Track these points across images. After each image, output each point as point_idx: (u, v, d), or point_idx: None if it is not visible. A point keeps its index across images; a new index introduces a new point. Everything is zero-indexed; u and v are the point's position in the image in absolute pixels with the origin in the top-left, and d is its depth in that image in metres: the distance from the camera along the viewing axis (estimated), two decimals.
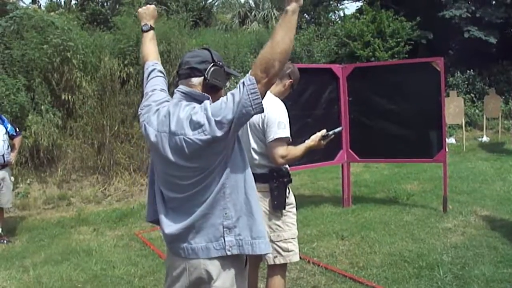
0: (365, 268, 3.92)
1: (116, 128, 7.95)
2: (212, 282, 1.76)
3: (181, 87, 1.83)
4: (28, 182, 7.13)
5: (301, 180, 7.97)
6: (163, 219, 1.84)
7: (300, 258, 4.18)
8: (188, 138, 1.68)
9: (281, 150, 2.61)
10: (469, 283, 3.48)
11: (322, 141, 2.73)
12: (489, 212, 5.38)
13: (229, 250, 1.75)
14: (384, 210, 5.72)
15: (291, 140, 2.69)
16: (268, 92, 2.76)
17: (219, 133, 1.64)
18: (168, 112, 1.78)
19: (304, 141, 2.74)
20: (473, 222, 5.06)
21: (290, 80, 2.88)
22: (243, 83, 1.64)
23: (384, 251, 4.29)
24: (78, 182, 7.53)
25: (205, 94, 1.80)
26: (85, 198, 7.16)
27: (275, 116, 2.64)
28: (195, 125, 1.67)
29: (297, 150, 2.69)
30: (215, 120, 1.64)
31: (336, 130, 2.80)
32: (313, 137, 2.76)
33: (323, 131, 2.75)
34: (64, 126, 7.78)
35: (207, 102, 1.71)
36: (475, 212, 5.41)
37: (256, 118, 2.66)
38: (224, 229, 1.75)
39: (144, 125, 1.85)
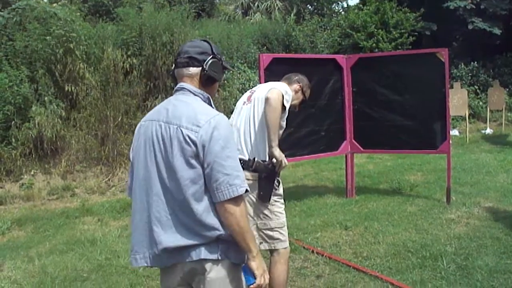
0: (369, 258, 3.94)
1: (119, 119, 7.95)
2: (206, 274, 1.74)
3: (183, 85, 1.84)
4: (32, 173, 7.15)
5: (305, 171, 7.97)
6: None
7: (304, 247, 4.21)
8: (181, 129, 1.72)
9: None
10: (472, 273, 3.49)
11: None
12: (493, 204, 5.39)
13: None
14: (387, 201, 5.73)
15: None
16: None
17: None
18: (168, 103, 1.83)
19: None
20: (476, 213, 5.07)
21: (299, 84, 3.04)
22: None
23: (388, 241, 4.31)
24: (82, 173, 7.55)
25: (205, 93, 1.85)
26: (89, 188, 7.19)
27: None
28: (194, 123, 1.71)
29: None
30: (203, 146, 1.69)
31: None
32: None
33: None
34: (68, 117, 7.78)
35: (220, 127, 1.71)
36: (478, 203, 5.41)
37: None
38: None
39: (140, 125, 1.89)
